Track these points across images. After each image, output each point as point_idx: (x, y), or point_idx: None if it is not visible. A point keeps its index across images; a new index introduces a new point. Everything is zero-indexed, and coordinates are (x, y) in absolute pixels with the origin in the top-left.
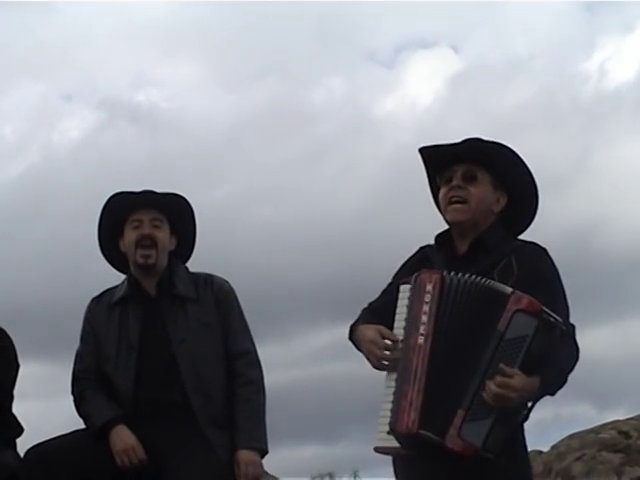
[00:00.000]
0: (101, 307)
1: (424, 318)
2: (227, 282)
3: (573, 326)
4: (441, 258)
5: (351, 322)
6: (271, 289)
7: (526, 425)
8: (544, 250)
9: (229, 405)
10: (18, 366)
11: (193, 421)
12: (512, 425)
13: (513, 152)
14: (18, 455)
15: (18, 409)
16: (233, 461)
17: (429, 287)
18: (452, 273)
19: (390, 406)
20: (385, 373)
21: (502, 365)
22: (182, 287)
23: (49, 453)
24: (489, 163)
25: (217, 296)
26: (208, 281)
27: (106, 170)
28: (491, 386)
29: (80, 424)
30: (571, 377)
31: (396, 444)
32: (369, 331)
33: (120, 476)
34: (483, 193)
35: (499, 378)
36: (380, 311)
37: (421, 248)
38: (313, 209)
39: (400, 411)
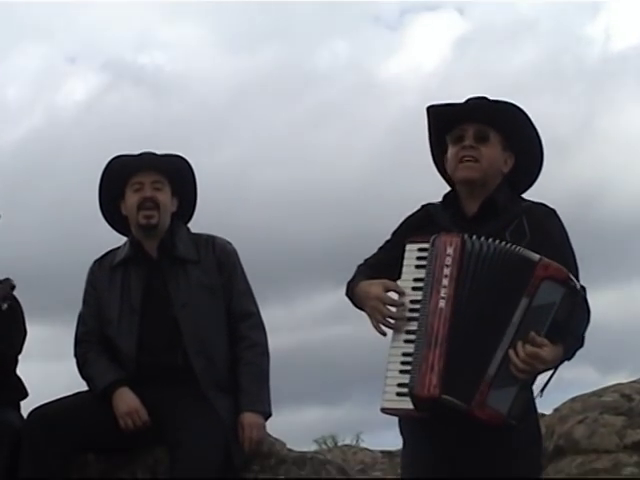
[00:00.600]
0: (103, 269)
1: (445, 281)
2: (229, 243)
3: (584, 288)
4: (447, 218)
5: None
6: (274, 252)
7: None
8: (554, 211)
9: (232, 368)
10: (26, 332)
11: (195, 384)
12: (532, 389)
13: (524, 113)
14: (22, 416)
15: (22, 371)
16: (236, 424)
17: (450, 250)
18: (473, 237)
19: (400, 367)
20: (392, 332)
21: (533, 334)
22: (183, 249)
23: (52, 415)
24: (500, 124)
25: (219, 258)
26: (210, 242)
27: (110, 132)
28: (520, 355)
29: (83, 387)
30: None
31: (405, 406)
32: (373, 287)
33: (123, 438)
34: (494, 154)
35: (530, 348)
36: (379, 267)
37: (423, 206)
38: (316, 172)
39: (420, 375)
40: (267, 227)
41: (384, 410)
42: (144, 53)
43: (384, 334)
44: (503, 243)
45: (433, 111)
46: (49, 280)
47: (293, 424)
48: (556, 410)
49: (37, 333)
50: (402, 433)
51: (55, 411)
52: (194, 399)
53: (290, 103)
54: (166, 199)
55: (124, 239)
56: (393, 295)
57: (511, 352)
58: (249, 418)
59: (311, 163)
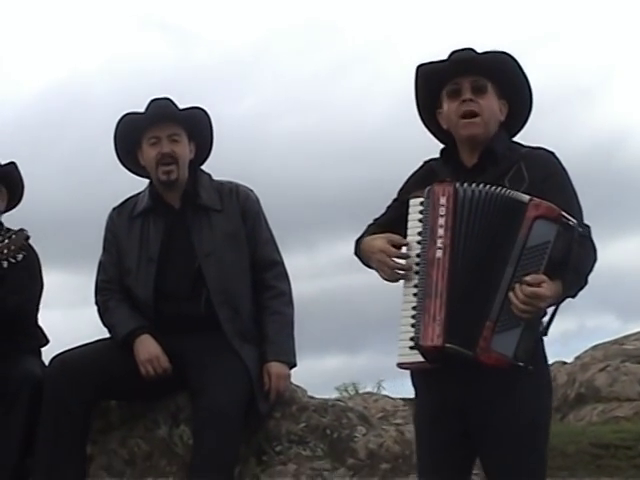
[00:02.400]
0: (122, 218)
1: (440, 231)
2: (252, 191)
3: (588, 227)
4: (448, 171)
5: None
6: (295, 199)
7: (550, 336)
8: (552, 153)
9: (258, 317)
10: (42, 283)
11: (219, 334)
12: (539, 330)
13: (513, 58)
14: (43, 363)
15: (44, 318)
16: (261, 373)
17: (443, 200)
18: (465, 184)
19: (411, 321)
20: (402, 284)
21: (530, 276)
22: (206, 197)
23: (73, 362)
24: (495, 73)
25: (243, 206)
26: (233, 190)
27: (135, 81)
28: (518, 297)
29: (105, 334)
30: (595, 288)
31: (419, 359)
32: (377, 241)
33: (144, 385)
34: (492, 104)
35: (528, 288)
36: (387, 226)
37: (425, 162)
38: (338, 120)
39: (424, 326)
40: (289, 175)
41: (400, 365)
42: (169, 1)
43: (396, 280)
44: (494, 188)
45: (424, 69)
46: (70, 228)
47: (314, 372)
48: (577, 358)
49: (59, 280)
50: (413, 384)
51: (77, 358)
52: (219, 347)
53: (313, 53)
54: (184, 151)
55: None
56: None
57: (511, 294)
58: (276, 368)
59: (333, 111)
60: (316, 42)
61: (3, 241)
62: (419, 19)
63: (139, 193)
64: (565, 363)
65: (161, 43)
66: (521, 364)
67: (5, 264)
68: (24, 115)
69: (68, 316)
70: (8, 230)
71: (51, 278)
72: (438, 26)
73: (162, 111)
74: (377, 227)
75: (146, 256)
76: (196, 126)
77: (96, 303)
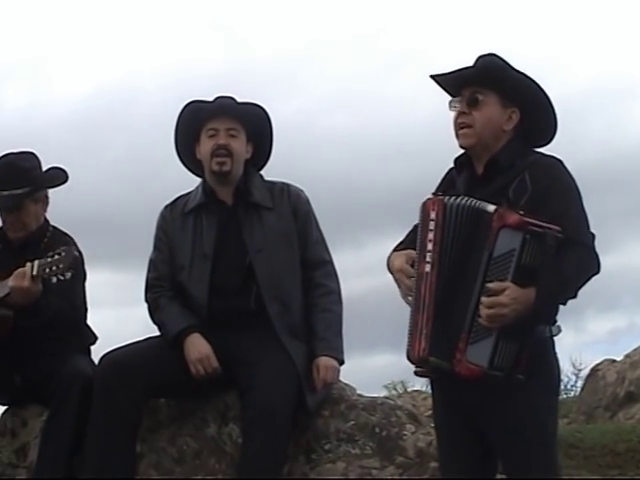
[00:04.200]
0: (175, 215)
1: (429, 246)
2: (303, 191)
3: (592, 235)
4: (462, 180)
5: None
6: (343, 197)
7: (599, 333)
8: (559, 161)
9: (307, 315)
10: (85, 277)
11: (269, 329)
12: (524, 339)
13: (505, 64)
14: (92, 361)
15: (92, 317)
16: (309, 370)
17: (433, 214)
18: (453, 198)
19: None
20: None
21: (489, 284)
22: (259, 195)
23: (124, 360)
24: (491, 82)
25: (294, 205)
26: (285, 190)
27: (185, 77)
28: (482, 308)
29: (154, 332)
30: None
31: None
32: (397, 259)
33: (193, 384)
34: (488, 115)
35: (487, 299)
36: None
37: (450, 169)
38: (387, 118)
39: (413, 339)
40: (337, 172)
41: (416, 373)
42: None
43: (410, 305)
44: (471, 201)
45: (437, 80)
46: (121, 228)
47: (363, 370)
48: (627, 356)
49: (109, 279)
50: (431, 387)
51: (127, 356)
52: (268, 343)
53: (363, 50)
54: (240, 147)
55: (195, 183)
56: None
57: (480, 305)
58: (325, 361)
59: (382, 109)
60: (366, 39)
61: (53, 256)
62: (466, 19)
63: (190, 192)
64: (614, 361)
65: (211, 42)
66: (497, 373)
67: (54, 279)
68: (74, 116)
69: (117, 315)
70: (60, 235)
71: (100, 277)
72: (485, 27)
73: (223, 104)
74: (409, 239)
75: (200, 252)
76: (256, 125)
77: (146, 300)
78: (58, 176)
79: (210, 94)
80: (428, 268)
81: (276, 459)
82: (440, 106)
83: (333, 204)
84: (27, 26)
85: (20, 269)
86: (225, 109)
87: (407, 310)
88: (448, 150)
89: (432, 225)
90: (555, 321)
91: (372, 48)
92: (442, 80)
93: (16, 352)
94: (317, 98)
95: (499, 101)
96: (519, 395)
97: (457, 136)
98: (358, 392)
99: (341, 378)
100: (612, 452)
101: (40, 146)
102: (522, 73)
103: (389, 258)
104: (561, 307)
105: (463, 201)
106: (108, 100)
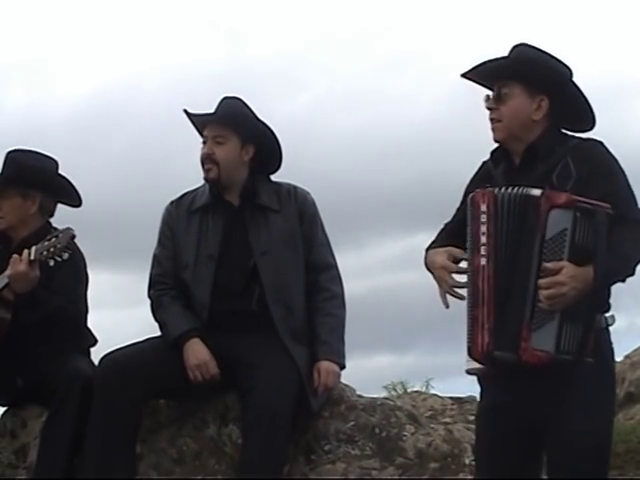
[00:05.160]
0: (180, 212)
1: (483, 239)
2: (309, 194)
3: None
4: (500, 172)
5: (430, 240)
6: (344, 198)
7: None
8: (600, 143)
9: (310, 318)
10: (87, 283)
11: (271, 331)
12: (588, 320)
13: (538, 50)
14: (92, 362)
15: (93, 318)
16: (311, 373)
17: (483, 207)
18: (503, 189)
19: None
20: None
21: (545, 264)
22: (265, 197)
23: (124, 361)
24: (518, 74)
25: (300, 208)
26: (292, 192)
27: (185, 77)
28: (541, 290)
29: (153, 331)
30: None
31: (481, 365)
32: (438, 256)
33: (193, 386)
34: (514, 107)
35: (544, 280)
36: (454, 232)
37: (484, 162)
38: (389, 117)
39: (474, 335)
40: (338, 172)
41: (467, 372)
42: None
43: (447, 306)
44: (520, 189)
45: (469, 77)
46: (120, 228)
47: (363, 370)
48: (627, 357)
49: (108, 280)
50: (480, 385)
51: (127, 357)
52: (270, 345)
53: (364, 50)
54: (226, 153)
55: (195, 184)
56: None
57: (539, 290)
58: (326, 365)
59: (384, 107)
60: (368, 38)
61: (50, 239)
62: (466, 19)
63: (197, 189)
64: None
65: (212, 42)
66: (567, 357)
67: (52, 262)
68: (74, 116)
69: (116, 316)
70: (55, 229)
71: (100, 278)
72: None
73: (210, 113)
74: (445, 234)
75: (205, 253)
76: (246, 126)
77: (149, 296)
78: (62, 190)
79: (210, 94)
80: (484, 261)
81: (276, 460)
82: (440, 106)
83: (334, 205)
84: (27, 26)
85: (16, 255)
86: (209, 117)
87: (407, 311)
88: (448, 150)
89: (484, 218)
90: (609, 307)
91: (373, 48)
92: (473, 76)
93: (17, 353)
94: (318, 98)
95: (525, 92)
96: (577, 401)
97: (492, 131)
98: (358, 393)
99: (341, 378)
100: (612, 452)
101: (40, 146)
102: (555, 58)
103: (426, 257)
104: None
105: (512, 190)
106: (108, 100)
